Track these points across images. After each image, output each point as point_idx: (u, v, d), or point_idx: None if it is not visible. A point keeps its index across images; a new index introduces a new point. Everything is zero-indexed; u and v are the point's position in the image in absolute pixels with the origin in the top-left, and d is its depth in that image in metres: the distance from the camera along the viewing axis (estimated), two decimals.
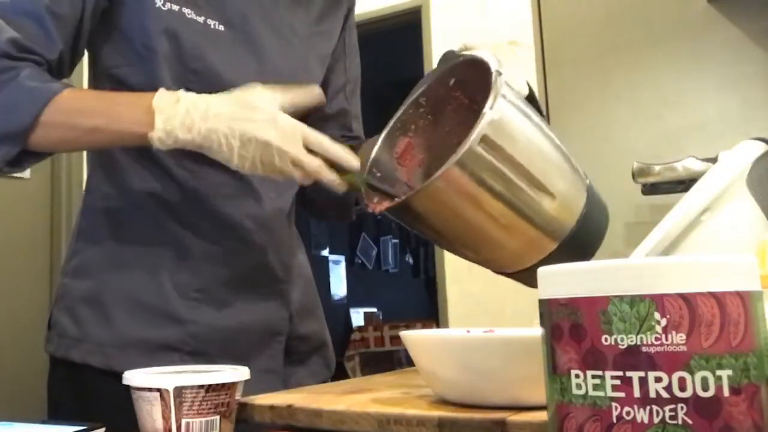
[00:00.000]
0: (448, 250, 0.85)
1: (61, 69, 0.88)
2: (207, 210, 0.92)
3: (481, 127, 0.74)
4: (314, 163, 0.81)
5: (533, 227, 0.78)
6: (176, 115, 0.78)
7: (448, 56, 0.90)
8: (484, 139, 0.73)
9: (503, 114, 0.76)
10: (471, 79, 0.80)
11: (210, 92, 0.90)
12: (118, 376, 0.85)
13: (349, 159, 0.82)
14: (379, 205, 0.82)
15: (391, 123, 0.92)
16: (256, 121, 0.79)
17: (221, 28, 0.92)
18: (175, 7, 0.88)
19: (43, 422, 0.63)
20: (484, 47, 0.91)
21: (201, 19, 0.90)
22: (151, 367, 0.83)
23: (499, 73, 0.77)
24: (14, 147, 0.81)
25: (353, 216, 1.11)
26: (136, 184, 0.92)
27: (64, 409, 0.92)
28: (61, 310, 0.93)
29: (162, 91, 0.80)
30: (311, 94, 0.86)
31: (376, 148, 0.90)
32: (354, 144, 1.10)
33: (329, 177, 0.81)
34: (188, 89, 0.89)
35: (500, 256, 0.80)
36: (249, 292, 0.94)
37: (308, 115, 1.01)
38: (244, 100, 0.81)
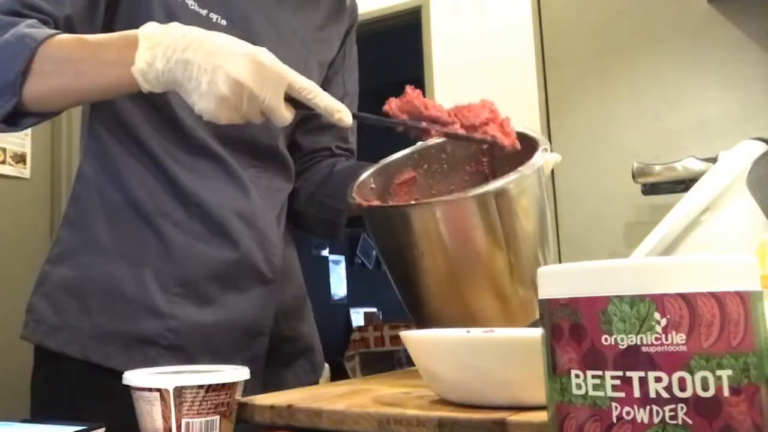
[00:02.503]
0: (399, 286, 0.84)
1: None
2: (194, 204, 0.91)
3: (510, 179, 0.74)
4: (286, 119, 0.76)
5: (497, 302, 0.77)
6: (161, 43, 0.74)
7: None
8: (504, 193, 0.73)
9: (530, 184, 0.76)
10: (506, 153, 0.80)
11: None
12: (95, 367, 0.84)
13: (342, 113, 0.77)
14: (368, 201, 0.81)
15: (410, 150, 0.91)
16: (235, 56, 0.73)
17: (223, 22, 0.92)
18: None
19: (44, 422, 0.63)
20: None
21: (204, 12, 0.91)
22: (126, 359, 0.83)
23: (546, 150, 0.78)
24: (9, 100, 0.78)
25: (341, 236, 1.09)
26: (126, 174, 0.91)
27: (42, 399, 0.90)
28: (40, 297, 0.91)
29: (152, 23, 0.77)
30: (331, 105, 0.78)
31: (393, 158, 0.90)
32: (347, 157, 1.11)
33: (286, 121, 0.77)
34: None
35: (450, 314, 0.78)
36: (232, 290, 0.92)
37: (305, 121, 1.00)
38: (238, 39, 0.76)
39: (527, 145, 0.81)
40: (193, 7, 0.90)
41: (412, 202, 0.79)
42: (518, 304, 0.78)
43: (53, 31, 0.79)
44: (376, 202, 0.83)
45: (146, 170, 0.91)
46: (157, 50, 0.74)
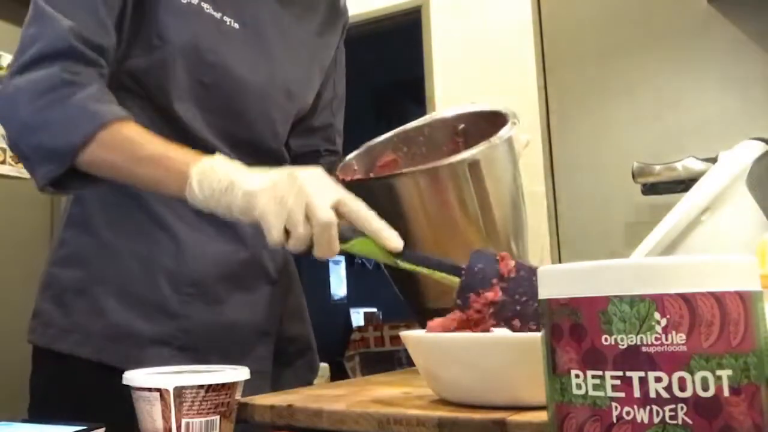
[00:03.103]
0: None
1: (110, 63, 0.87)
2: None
3: (480, 148, 0.75)
4: (330, 219, 0.70)
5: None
6: (234, 165, 0.76)
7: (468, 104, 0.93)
8: (474, 164, 0.75)
9: (500, 155, 0.78)
10: (479, 131, 0.82)
11: (220, 87, 0.91)
12: (107, 368, 0.84)
13: (393, 237, 0.71)
14: (350, 175, 0.82)
15: (387, 135, 0.93)
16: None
17: (236, 26, 0.93)
18: (194, 0, 0.89)
19: (43, 422, 0.63)
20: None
21: (218, 15, 0.92)
22: (140, 360, 0.83)
23: (515, 123, 0.79)
24: (60, 166, 0.79)
25: None
26: None
27: (47, 401, 0.90)
28: (47, 300, 0.91)
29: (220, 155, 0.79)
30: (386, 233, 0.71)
31: (362, 147, 0.91)
32: (334, 159, 1.12)
33: (334, 247, 0.71)
34: (200, 81, 0.90)
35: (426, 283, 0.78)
36: (242, 290, 0.93)
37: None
38: None
39: (500, 121, 0.82)
40: (208, 11, 0.91)
41: (393, 173, 0.81)
42: None
43: (122, 113, 0.81)
44: (358, 176, 0.85)
45: None
46: (226, 164, 0.76)
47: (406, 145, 0.94)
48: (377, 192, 0.79)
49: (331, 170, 0.84)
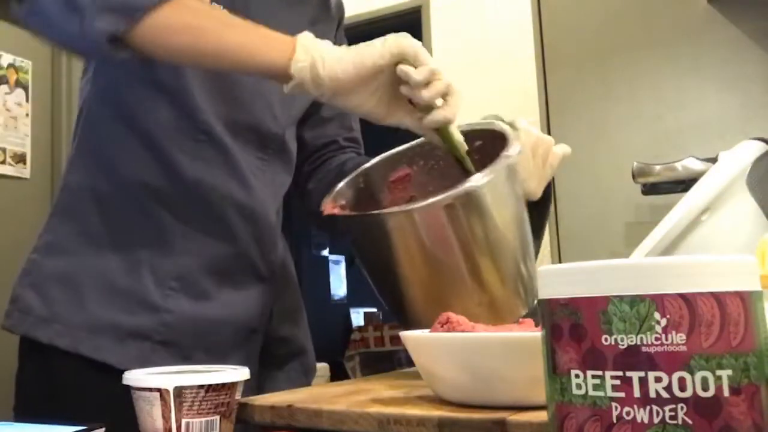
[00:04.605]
0: (381, 291, 0.84)
1: None
2: (194, 196, 0.89)
3: (456, 192, 0.74)
4: (443, 86, 0.77)
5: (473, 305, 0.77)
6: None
7: (489, 118, 0.91)
8: (451, 206, 0.74)
9: (498, 182, 0.77)
10: (496, 149, 0.81)
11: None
12: (86, 361, 0.83)
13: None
14: (333, 208, 0.81)
15: (403, 147, 0.92)
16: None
17: (221, 6, 0.92)
18: None
19: (43, 422, 0.63)
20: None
21: None
22: (119, 353, 0.82)
23: (507, 157, 0.78)
24: (126, 23, 0.74)
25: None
26: (123, 164, 0.89)
27: (30, 394, 0.88)
28: (27, 287, 0.89)
29: None
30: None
31: (377, 159, 0.90)
32: (356, 148, 1.11)
33: (442, 116, 0.78)
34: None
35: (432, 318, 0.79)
36: (228, 285, 0.91)
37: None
38: None
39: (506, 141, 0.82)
40: None
41: (383, 211, 0.79)
42: (503, 304, 0.78)
43: None
44: (346, 211, 0.84)
45: (143, 160, 0.89)
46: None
47: (422, 159, 0.93)
48: (371, 226, 0.78)
49: (323, 194, 0.85)
